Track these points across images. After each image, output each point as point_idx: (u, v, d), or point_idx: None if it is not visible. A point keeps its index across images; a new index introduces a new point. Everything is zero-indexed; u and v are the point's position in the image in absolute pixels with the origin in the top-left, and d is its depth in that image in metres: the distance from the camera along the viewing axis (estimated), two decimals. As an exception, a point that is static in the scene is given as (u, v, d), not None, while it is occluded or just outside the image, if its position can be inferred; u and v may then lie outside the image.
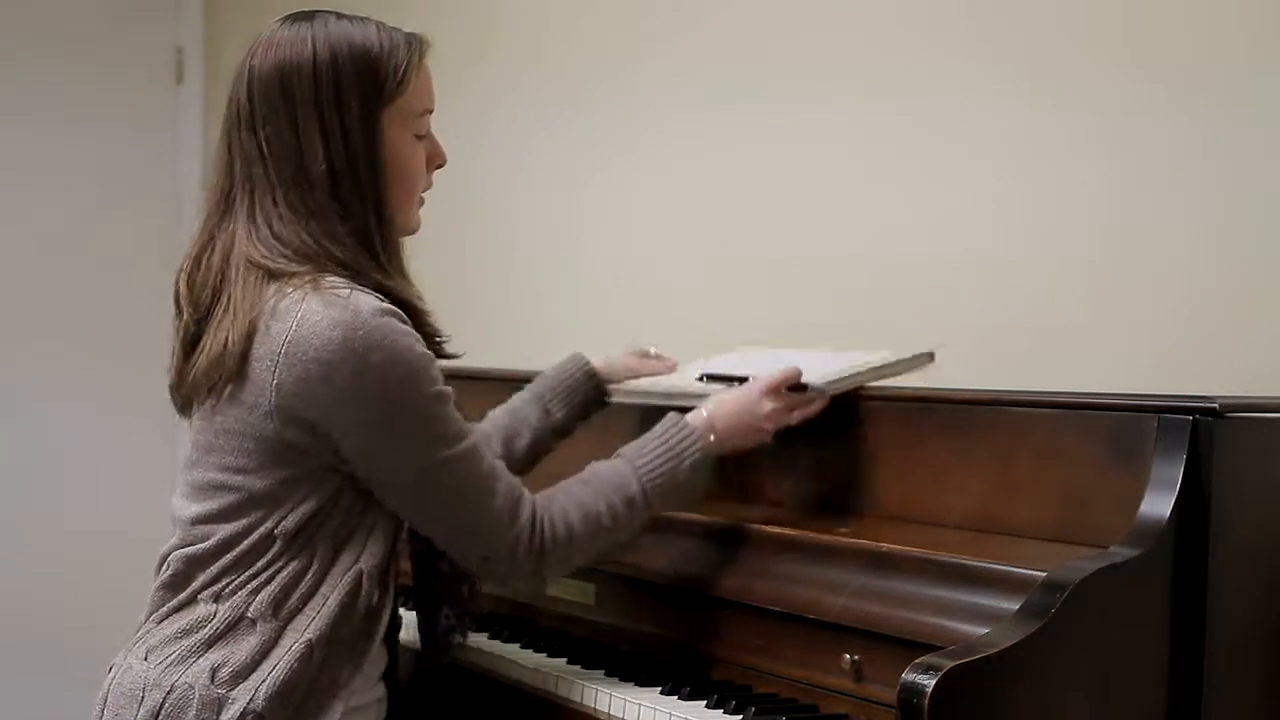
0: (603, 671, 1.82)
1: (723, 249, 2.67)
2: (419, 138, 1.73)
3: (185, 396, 1.71)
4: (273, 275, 1.64)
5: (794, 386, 1.86)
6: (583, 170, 3.02)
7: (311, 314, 1.59)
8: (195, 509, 1.68)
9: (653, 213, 2.84)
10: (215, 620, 1.64)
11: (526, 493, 1.70)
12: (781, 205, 2.56)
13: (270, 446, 1.63)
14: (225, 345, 1.63)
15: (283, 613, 1.63)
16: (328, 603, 1.63)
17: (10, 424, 4.03)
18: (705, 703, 1.67)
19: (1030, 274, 2.16)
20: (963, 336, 2.15)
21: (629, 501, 1.75)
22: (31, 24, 4.09)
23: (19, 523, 4.00)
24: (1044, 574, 1.45)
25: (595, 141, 2.99)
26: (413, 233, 1.77)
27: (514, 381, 2.17)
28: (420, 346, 1.64)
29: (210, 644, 1.63)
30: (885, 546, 1.67)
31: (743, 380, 1.88)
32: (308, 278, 1.62)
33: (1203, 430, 1.51)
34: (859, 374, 1.88)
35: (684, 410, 1.84)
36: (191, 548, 1.67)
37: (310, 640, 1.62)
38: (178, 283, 1.71)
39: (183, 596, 1.67)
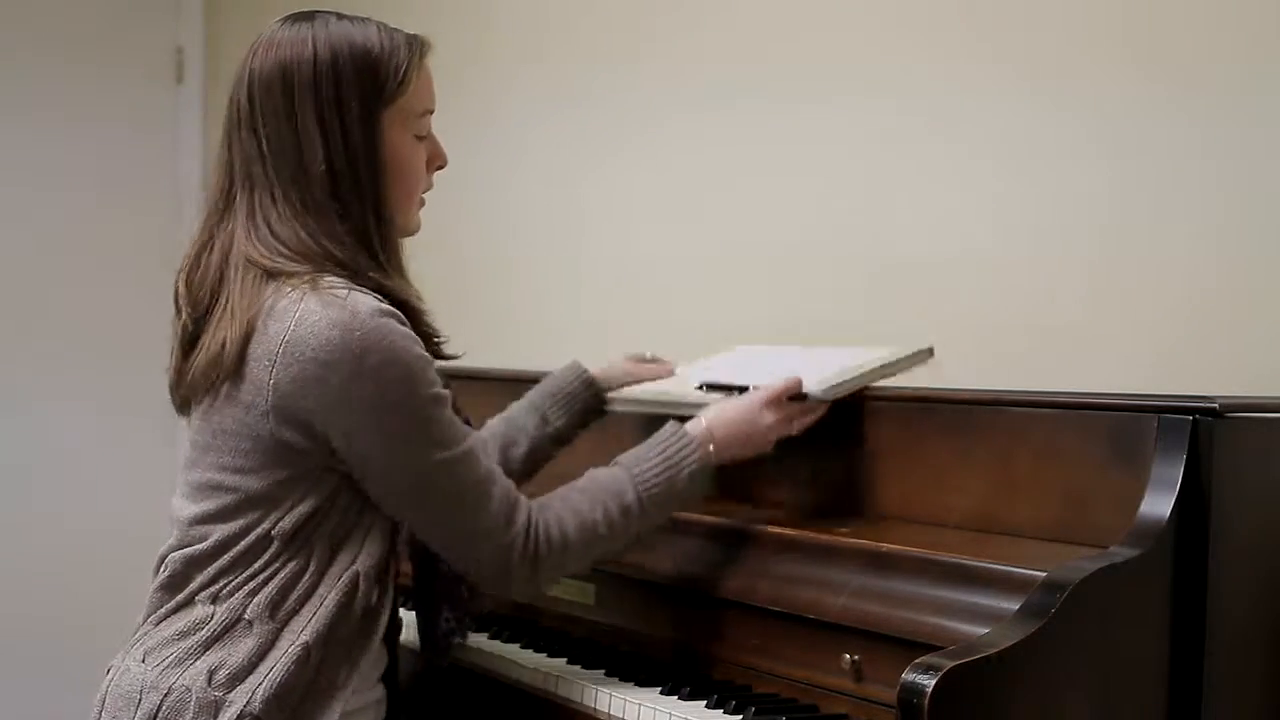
0: (603, 671, 1.83)
1: (723, 249, 2.67)
2: (419, 138, 1.73)
3: (184, 396, 1.71)
4: (271, 275, 1.64)
5: (794, 396, 1.85)
6: (582, 170, 3.02)
7: (309, 314, 1.59)
8: (193, 509, 1.68)
9: (653, 212, 2.84)
10: (213, 622, 1.63)
11: (523, 499, 1.70)
12: (781, 205, 2.56)
13: (267, 446, 1.63)
14: (223, 345, 1.63)
15: (280, 614, 1.63)
16: (324, 604, 1.63)
17: (10, 424, 4.03)
18: (705, 703, 1.67)
19: (1030, 274, 2.16)
20: (963, 336, 2.15)
21: (625, 510, 1.74)
22: (31, 24, 4.09)
23: (19, 523, 4.00)
24: (1044, 574, 1.45)
25: (595, 141, 2.99)
26: (413, 233, 1.77)
27: (513, 382, 2.18)
28: (418, 349, 1.63)
29: (208, 646, 1.63)
30: (885, 546, 1.67)
31: (743, 390, 1.87)
32: (306, 277, 1.62)
33: (1203, 430, 1.51)
34: (859, 377, 1.87)
35: (684, 419, 1.83)
36: (189, 549, 1.67)
37: (307, 642, 1.61)
38: (177, 282, 1.71)
39: (180, 598, 1.67)
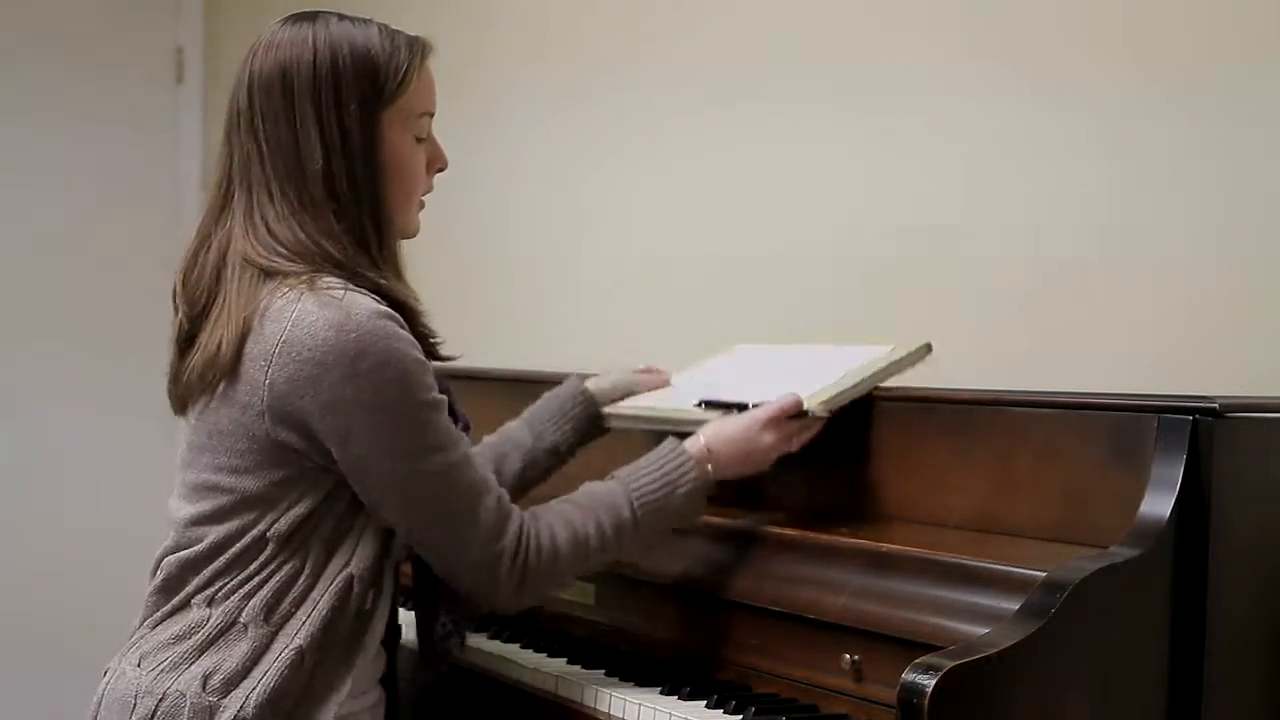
0: (603, 671, 1.82)
1: (723, 249, 2.67)
2: (419, 140, 1.73)
3: (181, 396, 1.71)
4: (268, 274, 1.64)
5: (794, 414, 1.84)
6: (582, 169, 3.02)
7: (306, 314, 1.59)
8: (189, 510, 1.68)
9: (653, 212, 2.84)
10: (208, 626, 1.63)
11: (515, 509, 1.68)
12: (781, 205, 2.56)
13: (263, 447, 1.62)
14: (219, 345, 1.63)
15: (274, 618, 1.62)
16: (318, 607, 1.62)
17: (10, 424, 4.03)
18: (705, 703, 1.67)
19: (1030, 274, 2.16)
20: (963, 336, 2.15)
21: (619, 526, 1.73)
22: (31, 24, 4.09)
23: (19, 523, 4.01)
24: (1044, 574, 1.45)
25: (595, 141, 2.99)
26: (411, 235, 1.76)
27: (513, 382, 2.17)
28: (415, 352, 1.62)
29: (202, 650, 1.62)
30: (885, 546, 1.67)
31: (742, 407, 1.86)
32: (303, 277, 1.62)
33: (1203, 430, 1.51)
34: (858, 384, 1.85)
35: (683, 436, 1.82)
36: (185, 551, 1.67)
37: (300, 646, 1.61)
38: (176, 282, 1.71)
39: (176, 601, 1.67)
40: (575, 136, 3.04)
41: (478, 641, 1.99)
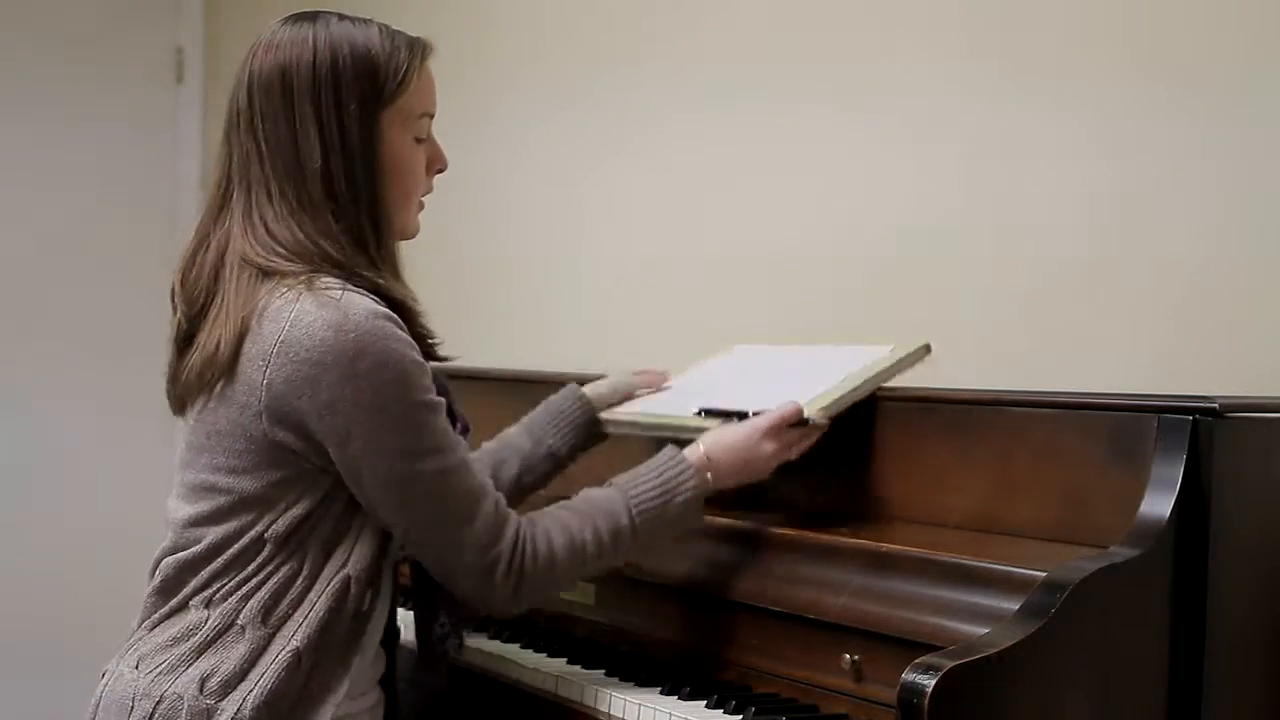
0: (603, 671, 1.82)
1: (723, 249, 2.67)
2: (419, 140, 1.73)
3: (179, 396, 1.71)
4: (266, 274, 1.64)
5: (794, 422, 1.83)
6: (582, 169, 3.02)
7: (304, 314, 1.59)
8: (188, 510, 1.67)
9: (653, 212, 2.84)
10: (206, 627, 1.63)
11: (512, 514, 1.68)
12: (781, 205, 2.56)
13: (261, 447, 1.62)
14: (218, 344, 1.62)
15: (272, 619, 1.62)
16: (315, 608, 1.62)
17: (10, 424, 4.03)
18: (705, 703, 1.67)
19: (1030, 274, 2.16)
20: (963, 336, 2.15)
21: (616, 533, 1.72)
22: (31, 24, 4.09)
23: (19, 523, 4.00)
24: (1044, 574, 1.45)
25: (595, 141, 2.99)
26: (411, 236, 1.76)
27: (513, 381, 2.17)
28: (414, 353, 1.62)
29: (200, 652, 1.62)
30: (885, 546, 1.67)
31: (742, 415, 1.86)
32: (301, 277, 1.62)
33: (1203, 430, 1.51)
34: (857, 388, 1.85)
35: (682, 444, 1.81)
36: (183, 552, 1.67)
37: (298, 648, 1.61)
38: (174, 281, 1.71)
39: (174, 603, 1.66)
40: (575, 136, 3.04)
41: (477, 641, 1.99)
